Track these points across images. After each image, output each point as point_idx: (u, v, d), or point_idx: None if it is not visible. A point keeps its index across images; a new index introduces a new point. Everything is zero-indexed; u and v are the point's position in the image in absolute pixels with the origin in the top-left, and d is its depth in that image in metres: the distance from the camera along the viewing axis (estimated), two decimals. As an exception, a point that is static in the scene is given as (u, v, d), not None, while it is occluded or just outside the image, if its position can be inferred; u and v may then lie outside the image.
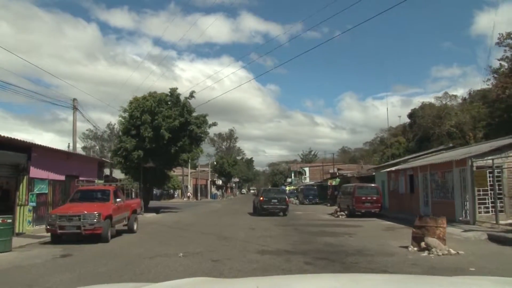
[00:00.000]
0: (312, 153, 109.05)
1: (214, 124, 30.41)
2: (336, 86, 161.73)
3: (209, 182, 69.80)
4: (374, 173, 35.01)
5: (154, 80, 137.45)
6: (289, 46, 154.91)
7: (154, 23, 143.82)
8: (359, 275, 3.86)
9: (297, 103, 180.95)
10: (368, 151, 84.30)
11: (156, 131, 27.03)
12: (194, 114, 29.48)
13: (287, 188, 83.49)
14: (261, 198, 24.31)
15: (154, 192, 66.05)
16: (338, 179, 42.96)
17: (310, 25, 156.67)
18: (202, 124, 29.30)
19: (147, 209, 30.02)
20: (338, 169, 53.34)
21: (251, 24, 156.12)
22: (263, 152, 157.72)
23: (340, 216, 23.07)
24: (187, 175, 62.93)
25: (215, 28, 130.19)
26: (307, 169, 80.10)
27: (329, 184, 42.33)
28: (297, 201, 48.02)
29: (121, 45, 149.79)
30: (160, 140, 27.26)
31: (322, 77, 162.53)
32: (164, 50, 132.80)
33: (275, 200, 24.23)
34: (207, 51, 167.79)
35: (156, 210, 31.68)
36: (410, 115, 56.81)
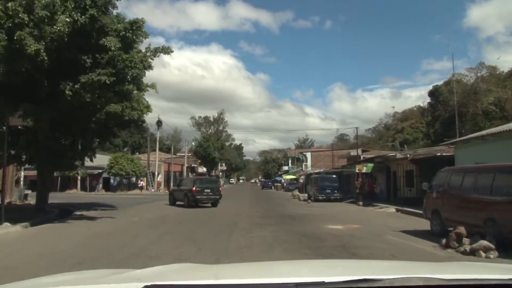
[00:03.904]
0: (309, 140, 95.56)
1: (166, 50, 15.06)
2: (326, 76, 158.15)
3: (185, 168, 54.22)
4: (448, 153, 20.26)
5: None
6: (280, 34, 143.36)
7: (141, 8, 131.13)
8: (354, 261, 3.27)
9: (286, 92, 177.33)
10: (372, 138, 76.15)
11: (15, 40, 11.65)
12: (127, 20, 14.20)
13: (284, 177, 68.82)
14: (194, 189, 22.76)
15: (111, 181, 50.76)
16: (370, 165, 28.09)
17: (301, 13, 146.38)
18: (133, 36, 13.85)
19: (40, 211, 15.17)
20: (363, 151, 38.58)
21: (241, 11, 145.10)
22: (253, 142, 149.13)
23: (483, 253, 8.04)
24: (154, 161, 47.53)
25: (204, 15, 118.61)
26: (308, 155, 65.24)
27: (357, 170, 27.37)
28: (304, 195, 32.80)
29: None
30: (23, 61, 11.86)
31: (312, 66, 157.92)
32: (152, 37, 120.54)
33: (208, 190, 23.18)
34: (196, 38, 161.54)
35: (62, 212, 17.13)
36: (432, 93, 47.93)
